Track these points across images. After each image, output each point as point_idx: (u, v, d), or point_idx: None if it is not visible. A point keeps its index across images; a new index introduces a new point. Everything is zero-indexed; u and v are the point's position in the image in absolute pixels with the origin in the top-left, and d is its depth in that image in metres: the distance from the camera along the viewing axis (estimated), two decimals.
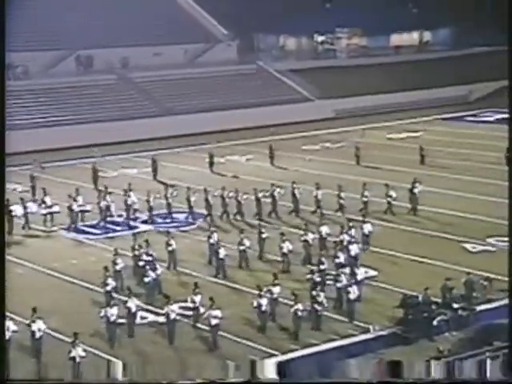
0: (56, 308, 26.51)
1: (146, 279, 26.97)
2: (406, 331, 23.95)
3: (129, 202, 36.39)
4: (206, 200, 35.93)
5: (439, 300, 24.93)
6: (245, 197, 35.82)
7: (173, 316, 23.77)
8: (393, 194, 35.87)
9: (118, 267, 27.79)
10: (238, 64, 66.99)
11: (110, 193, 36.88)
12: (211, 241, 30.14)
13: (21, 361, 22.17)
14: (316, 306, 24.35)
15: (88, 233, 35.01)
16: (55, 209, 35.87)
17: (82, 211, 36.00)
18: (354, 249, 28.95)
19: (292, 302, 24.41)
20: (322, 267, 27.35)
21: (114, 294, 26.07)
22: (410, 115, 62.44)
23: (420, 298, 24.78)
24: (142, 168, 45.82)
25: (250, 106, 60.16)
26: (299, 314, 23.93)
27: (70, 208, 35.73)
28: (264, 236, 30.79)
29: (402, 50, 77.49)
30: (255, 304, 24.40)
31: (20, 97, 55.62)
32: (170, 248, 29.87)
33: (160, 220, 36.47)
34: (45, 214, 35.75)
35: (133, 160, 48.82)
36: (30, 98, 55.98)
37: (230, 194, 36.12)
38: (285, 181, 39.07)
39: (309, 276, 26.48)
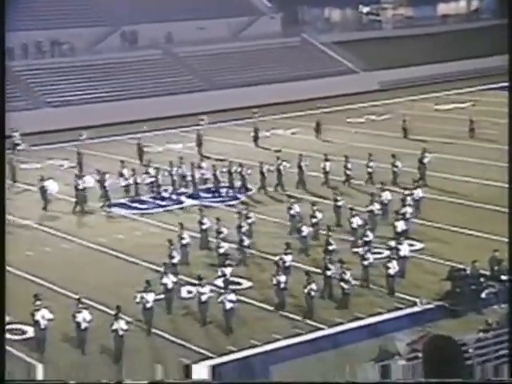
0: (101, 283, 26.77)
1: (221, 250, 27.13)
2: (454, 304, 23.73)
3: (175, 177, 36.55)
4: (261, 173, 36.13)
5: (487, 272, 24.63)
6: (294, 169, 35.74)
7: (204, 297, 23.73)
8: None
9: (183, 241, 27.83)
10: (282, 37, 66.55)
11: (156, 168, 37.00)
12: (292, 212, 30.34)
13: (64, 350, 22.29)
14: (342, 283, 24.22)
15: (134, 208, 35.19)
16: (131, 181, 36.04)
17: (127, 186, 36.18)
18: (400, 225, 28.69)
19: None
20: (366, 239, 27.20)
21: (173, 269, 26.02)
22: (457, 86, 61.57)
23: (468, 271, 24.51)
24: (186, 143, 45.89)
25: (294, 80, 59.80)
26: (312, 293, 23.69)
27: (116, 183, 35.96)
28: (340, 204, 30.95)
29: (449, 20, 76.32)
30: (274, 282, 24.32)
31: (66, 73, 55.99)
32: (203, 227, 29.72)
33: (206, 195, 36.53)
34: (124, 186, 35.91)
35: (178, 135, 48.91)
36: (76, 75, 56.26)
37: (283, 165, 36.06)
38: (330, 154, 38.80)
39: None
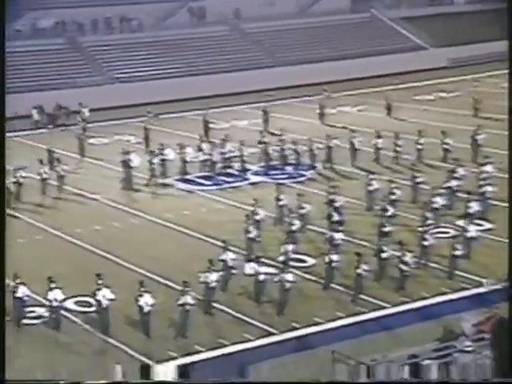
0: (167, 257, 27.05)
1: (294, 227, 27.17)
2: None
3: (240, 154, 36.65)
4: (328, 147, 36.28)
5: None
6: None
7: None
8: None
9: (257, 217, 27.93)
10: (351, 13, 65.88)
11: (223, 143, 37.15)
12: (370, 188, 30.59)
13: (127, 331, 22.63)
14: (402, 265, 24.00)
15: (200, 184, 35.40)
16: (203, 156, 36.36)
17: (193, 162, 36.41)
18: (475, 205, 28.31)
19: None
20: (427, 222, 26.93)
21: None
22: None
23: None
24: (252, 119, 45.89)
25: (362, 56, 59.24)
26: (363, 274, 23.53)
27: (182, 159, 36.24)
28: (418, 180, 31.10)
29: None
30: (327, 260, 24.27)
31: (135, 49, 56.42)
32: (279, 203, 29.83)
33: (272, 172, 36.55)
34: (203, 161, 36.23)
35: (244, 111, 48.94)
36: (145, 51, 56.66)
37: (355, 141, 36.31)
38: (401, 132, 38.48)
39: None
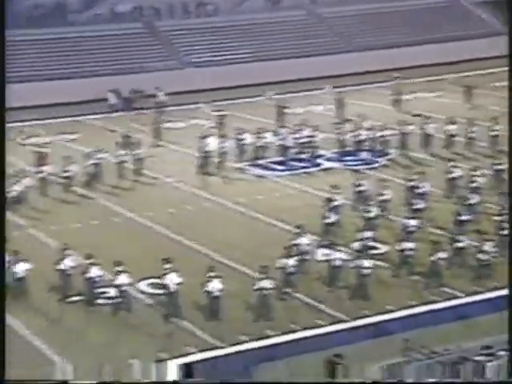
0: (240, 242, 27.15)
1: (371, 214, 27.14)
2: None
3: (314, 139, 36.53)
4: (403, 134, 35.95)
5: None
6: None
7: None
8: None
9: (335, 203, 27.87)
10: None
11: (297, 128, 37.09)
12: (451, 176, 30.26)
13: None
14: (480, 255, 23.67)
15: (273, 169, 35.40)
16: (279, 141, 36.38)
17: (267, 147, 36.41)
18: None
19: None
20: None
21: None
22: None
23: None
24: (327, 105, 45.61)
25: (440, 41, 58.26)
26: (440, 262, 23.23)
27: (255, 144, 36.28)
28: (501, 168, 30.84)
29: None
30: (399, 247, 24.09)
31: (210, 34, 56.58)
32: (357, 189, 29.73)
33: (345, 158, 36.33)
34: (277, 146, 36.28)
35: (319, 96, 48.68)
36: (220, 35, 56.79)
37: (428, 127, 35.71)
38: (478, 119, 37.86)
39: None
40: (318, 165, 35.71)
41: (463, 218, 26.37)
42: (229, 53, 55.58)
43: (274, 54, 55.77)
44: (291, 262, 23.07)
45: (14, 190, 30.29)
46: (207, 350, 20.25)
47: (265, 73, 52.12)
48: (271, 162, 36.12)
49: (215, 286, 21.89)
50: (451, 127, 36.46)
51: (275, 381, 18.00)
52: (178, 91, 47.96)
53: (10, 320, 21.16)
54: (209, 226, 29.03)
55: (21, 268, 22.93)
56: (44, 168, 32.60)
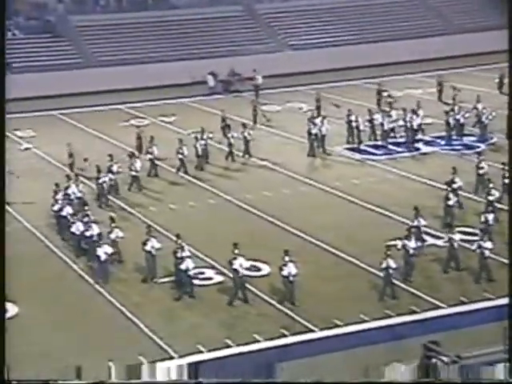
0: (336, 225, 27.12)
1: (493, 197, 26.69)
2: None
3: (414, 123, 36.00)
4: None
5: None
6: None
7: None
8: None
9: (455, 185, 27.63)
10: None
11: (398, 112, 36.66)
12: None
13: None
14: None
15: (370, 153, 35.11)
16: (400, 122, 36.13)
17: (362, 131, 36.07)
18: None
19: None
20: None
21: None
22: None
23: None
24: (427, 88, 44.90)
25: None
26: (486, 253, 22.79)
27: (356, 128, 35.93)
28: None
29: None
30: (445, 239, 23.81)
31: (307, 16, 56.37)
32: (480, 171, 29.29)
33: (444, 142, 35.76)
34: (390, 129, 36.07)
35: (419, 80, 47.98)
36: (316, 18, 56.47)
37: None
38: None
39: None
40: (416, 149, 35.24)
41: None
42: (327, 35, 55.27)
43: (373, 36, 55.15)
44: (412, 243, 23.16)
45: (132, 169, 30.74)
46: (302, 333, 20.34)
47: (361, 56, 51.65)
48: (369, 146, 35.82)
49: (291, 270, 21.93)
50: None
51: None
52: (275, 74, 48.01)
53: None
54: (304, 208, 29.04)
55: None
56: (151, 150, 32.93)
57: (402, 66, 50.64)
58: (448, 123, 36.16)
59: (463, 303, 21.62)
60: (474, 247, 23.11)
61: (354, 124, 35.89)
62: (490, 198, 26.61)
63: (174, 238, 23.37)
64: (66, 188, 28.26)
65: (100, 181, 29.71)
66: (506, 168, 27.57)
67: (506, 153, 32.58)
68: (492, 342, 16.84)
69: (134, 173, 31.02)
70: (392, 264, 22.14)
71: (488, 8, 58.78)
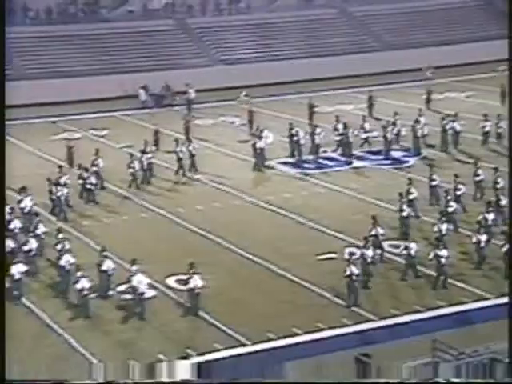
0: (267, 239, 27.24)
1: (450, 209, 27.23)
2: None
3: (344, 138, 36.41)
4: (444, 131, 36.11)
5: None
6: None
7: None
8: None
9: (411, 196, 28.13)
10: None
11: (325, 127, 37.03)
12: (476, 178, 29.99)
13: None
14: None
15: (302, 167, 35.35)
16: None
17: (298, 145, 36.32)
18: None
19: None
20: None
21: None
22: None
23: None
24: (358, 104, 45.47)
25: (471, 41, 57.80)
26: (442, 261, 23.40)
27: (296, 142, 36.05)
28: None
29: None
30: (474, 240, 24.42)
31: (242, 31, 56.63)
32: (432, 183, 29.83)
33: (375, 157, 36.21)
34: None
35: (349, 96, 48.56)
36: (251, 33, 56.78)
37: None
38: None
39: None
40: (348, 163, 35.64)
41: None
42: (260, 50, 55.58)
43: (305, 51, 55.65)
44: (370, 252, 23.66)
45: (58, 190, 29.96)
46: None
47: (295, 70, 52.05)
48: (300, 161, 36.06)
49: (197, 283, 22.01)
50: (486, 123, 36.88)
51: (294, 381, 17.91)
52: (208, 88, 48.01)
53: None
54: (236, 223, 29.07)
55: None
56: (96, 162, 32.45)
57: (334, 81, 51.14)
58: (385, 138, 36.70)
59: (419, 311, 21.99)
60: (430, 256, 23.62)
61: (295, 138, 36.12)
62: (449, 209, 27.14)
63: (103, 252, 23.29)
64: (19, 202, 28.05)
65: (59, 194, 29.29)
66: (458, 180, 28.60)
67: (439, 166, 33.24)
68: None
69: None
70: (354, 270, 22.50)
71: (417, 26, 59.91)
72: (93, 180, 31.12)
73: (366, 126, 37.60)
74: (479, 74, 52.29)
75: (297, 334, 20.81)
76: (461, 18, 61.26)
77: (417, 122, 37.10)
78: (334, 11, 60.71)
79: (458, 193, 28.29)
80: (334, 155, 36.43)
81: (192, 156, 34.51)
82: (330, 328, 21.11)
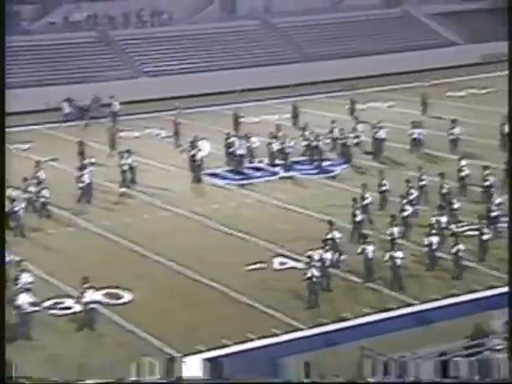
0: (195, 250, 27.15)
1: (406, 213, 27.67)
2: None
3: (271, 148, 36.60)
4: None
5: None
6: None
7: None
8: None
9: (365, 202, 28.46)
10: (383, 8, 65.46)
11: (252, 137, 37.14)
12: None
13: None
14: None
15: (229, 178, 35.38)
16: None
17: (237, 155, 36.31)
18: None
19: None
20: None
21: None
22: None
23: None
24: (283, 114, 45.75)
25: (394, 52, 58.85)
26: (460, 254, 24.26)
27: (232, 153, 36.18)
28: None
29: None
30: (426, 242, 25.02)
31: (165, 43, 56.51)
32: (382, 188, 30.24)
33: (301, 167, 36.45)
34: (233, 154, 36.32)
35: (274, 106, 48.82)
36: (175, 45, 56.72)
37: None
38: (430, 127, 38.45)
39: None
40: (275, 174, 35.80)
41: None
42: (183, 62, 55.51)
43: (228, 63, 55.81)
44: (329, 254, 23.89)
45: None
46: None
47: (220, 82, 52.12)
48: (227, 171, 36.10)
49: (92, 297, 21.86)
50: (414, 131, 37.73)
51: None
52: (132, 100, 47.73)
53: None
54: (166, 234, 28.91)
55: None
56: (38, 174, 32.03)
57: (259, 92, 51.38)
58: (309, 148, 36.98)
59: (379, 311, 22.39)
60: (386, 258, 24.00)
61: (231, 148, 36.17)
62: (404, 213, 27.60)
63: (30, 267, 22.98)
64: None
65: (16, 209, 28.73)
66: (410, 185, 29.24)
67: (368, 175, 33.66)
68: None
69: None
70: (315, 273, 22.74)
71: (338, 37, 60.68)
72: (45, 193, 30.58)
73: (292, 135, 37.90)
74: (401, 84, 53.24)
75: (226, 345, 20.76)
76: (381, 30, 62.27)
77: (340, 130, 37.63)
78: (256, 22, 61.05)
79: (411, 197, 28.80)
80: (262, 165, 36.57)
81: (131, 168, 34.17)
82: (260, 338, 21.12)
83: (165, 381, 16.81)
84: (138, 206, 32.15)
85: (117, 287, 23.73)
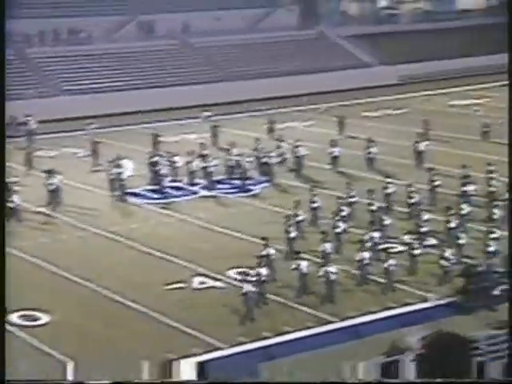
0: (113, 270, 26.92)
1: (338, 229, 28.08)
2: (467, 301, 23.61)
3: (191, 167, 36.58)
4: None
5: (502, 269, 24.48)
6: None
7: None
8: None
9: (298, 218, 28.77)
10: (299, 29, 66.32)
11: (171, 156, 37.09)
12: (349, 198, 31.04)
13: None
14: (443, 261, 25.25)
15: (147, 197, 35.19)
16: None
17: (141, 175, 36.24)
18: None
19: None
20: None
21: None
22: (475, 81, 61.17)
23: (482, 268, 24.40)
24: (201, 133, 45.79)
25: (310, 72, 59.62)
26: (391, 269, 24.82)
27: (156, 172, 35.98)
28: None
29: (469, 14, 75.64)
30: (358, 258, 25.39)
31: (83, 62, 56.03)
32: (313, 205, 30.59)
33: (221, 186, 36.51)
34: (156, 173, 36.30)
35: (193, 125, 48.83)
36: (93, 63, 56.30)
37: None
38: (345, 146, 38.97)
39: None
40: (194, 193, 35.77)
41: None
42: (101, 81, 55.12)
43: (147, 82, 55.70)
44: (264, 270, 23.99)
45: None
46: None
47: (139, 101, 51.96)
48: (146, 191, 35.91)
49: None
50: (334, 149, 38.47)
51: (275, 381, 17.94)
52: (49, 119, 47.12)
53: None
54: (82, 254, 28.55)
55: None
56: None
57: (177, 111, 51.35)
58: (230, 166, 37.09)
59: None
60: (320, 273, 24.23)
61: (155, 167, 36.00)
62: (337, 230, 27.97)
63: None
64: None
65: None
66: (341, 201, 29.97)
67: (290, 193, 33.94)
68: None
69: None
70: (251, 288, 23.00)
71: (255, 58, 61.21)
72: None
73: (208, 154, 37.97)
74: (316, 104, 53.98)
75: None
76: (297, 50, 63.05)
77: (262, 149, 37.93)
78: (175, 42, 61.13)
79: (343, 213, 29.27)
80: (180, 184, 36.51)
81: (57, 189, 33.73)
82: (179, 358, 20.99)
83: None
84: (55, 225, 31.68)
85: (33, 309, 23.28)
